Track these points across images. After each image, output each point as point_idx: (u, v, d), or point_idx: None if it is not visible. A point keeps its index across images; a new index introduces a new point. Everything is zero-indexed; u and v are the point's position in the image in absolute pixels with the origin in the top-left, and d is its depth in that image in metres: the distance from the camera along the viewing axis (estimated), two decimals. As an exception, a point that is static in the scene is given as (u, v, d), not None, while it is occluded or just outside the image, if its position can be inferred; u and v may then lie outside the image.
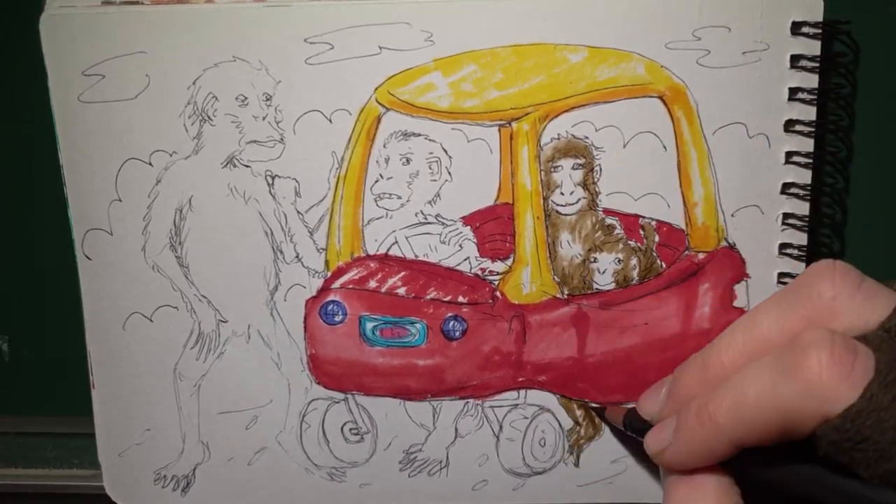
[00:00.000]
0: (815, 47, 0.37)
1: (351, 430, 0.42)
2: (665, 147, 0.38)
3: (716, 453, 0.28)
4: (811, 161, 0.38)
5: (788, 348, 0.26)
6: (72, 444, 0.46)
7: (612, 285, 0.40)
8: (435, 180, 0.39)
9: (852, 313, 0.26)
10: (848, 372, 0.24)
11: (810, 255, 0.39)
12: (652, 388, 0.35)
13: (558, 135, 0.38)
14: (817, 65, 0.37)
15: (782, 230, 0.39)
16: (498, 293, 0.40)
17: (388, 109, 0.38)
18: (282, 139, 0.39)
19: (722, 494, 0.29)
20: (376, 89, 0.38)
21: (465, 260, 0.40)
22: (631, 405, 0.40)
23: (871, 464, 0.24)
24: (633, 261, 0.39)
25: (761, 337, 0.28)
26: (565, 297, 0.40)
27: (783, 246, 0.39)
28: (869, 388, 0.24)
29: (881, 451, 0.24)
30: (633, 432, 0.37)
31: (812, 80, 0.38)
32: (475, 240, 0.40)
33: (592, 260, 0.39)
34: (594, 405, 0.41)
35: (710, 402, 0.28)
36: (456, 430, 0.42)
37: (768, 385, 0.26)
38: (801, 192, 0.39)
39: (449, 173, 0.39)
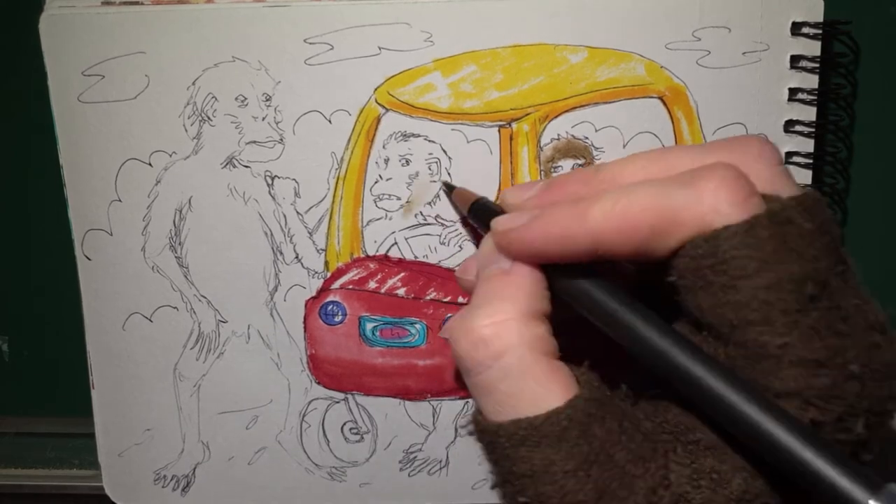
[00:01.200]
0: (815, 47, 0.37)
1: (351, 429, 0.42)
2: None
3: (568, 247, 0.26)
4: (811, 161, 0.38)
5: (692, 168, 0.25)
6: (72, 444, 0.47)
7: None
8: (434, 181, 0.39)
9: (764, 180, 0.25)
10: (742, 200, 0.24)
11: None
12: (525, 183, 0.33)
13: (558, 135, 0.38)
14: (817, 65, 0.37)
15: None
16: (498, 293, 0.40)
17: (387, 110, 0.38)
18: (281, 140, 0.39)
19: (534, 291, 0.27)
20: (376, 90, 0.38)
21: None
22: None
23: (718, 291, 0.23)
24: (633, 262, 0.39)
25: (668, 165, 0.26)
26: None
27: (783, 246, 0.39)
28: (755, 218, 0.23)
29: (734, 280, 0.23)
30: (476, 221, 0.35)
31: (812, 81, 0.38)
32: (475, 240, 0.40)
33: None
34: (444, 181, 0.39)
35: (589, 197, 0.26)
36: (456, 429, 0.42)
37: (659, 191, 0.24)
38: (801, 193, 0.39)
39: (449, 174, 0.39)
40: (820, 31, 0.37)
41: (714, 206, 0.24)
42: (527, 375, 0.25)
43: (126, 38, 0.38)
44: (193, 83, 0.38)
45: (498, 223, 0.28)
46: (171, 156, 0.39)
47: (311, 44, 0.37)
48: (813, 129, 0.38)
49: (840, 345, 0.23)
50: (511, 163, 0.38)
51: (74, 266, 0.40)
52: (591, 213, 0.25)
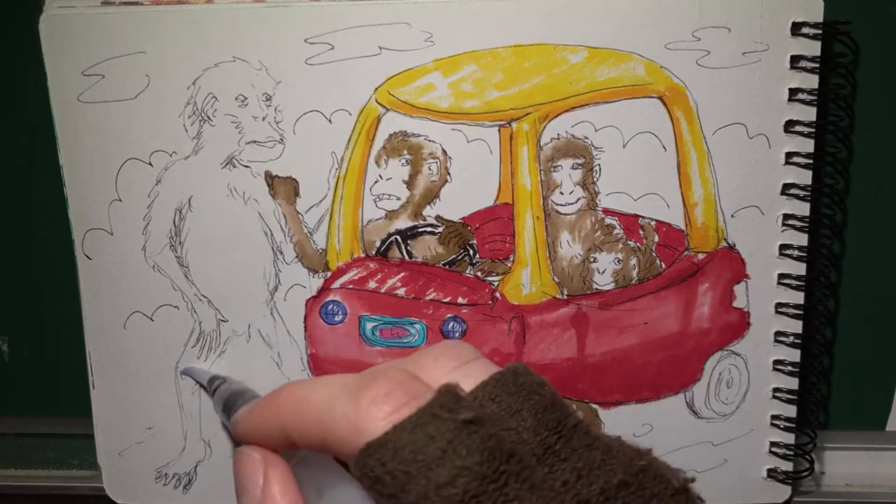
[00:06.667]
0: (815, 48, 0.37)
1: (351, 430, 0.42)
2: (664, 147, 0.38)
3: (270, 437, 0.27)
4: (811, 161, 0.38)
5: (367, 372, 0.25)
6: (71, 444, 0.46)
7: (612, 285, 0.40)
8: (434, 181, 0.39)
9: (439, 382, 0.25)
10: (392, 411, 0.23)
11: (811, 255, 0.39)
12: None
13: (558, 135, 0.38)
14: (817, 65, 0.37)
15: (782, 231, 0.39)
16: (497, 294, 0.40)
17: (387, 110, 0.38)
18: (281, 139, 0.39)
19: (268, 466, 0.27)
20: (376, 90, 0.38)
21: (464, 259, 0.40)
22: (628, 405, 0.40)
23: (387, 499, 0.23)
24: (633, 260, 0.39)
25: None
26: (565, 297, 0.40)
27: (783, 247, 0.39)
28: (395, 428, 0.22)
29: (393, 496, 0.22)
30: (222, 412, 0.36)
31: (812, 81, 0.38)
32: (475, 240, 0.39)
33: (592, 260, 0.39)
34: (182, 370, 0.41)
35: (286, 389, 0.26)
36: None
37: (329, 397, 0.24)
38: (801, 193, 0.39)
39: (449, 174, 0.39)
40: (820, 32, 0.37)
41: (362, 426, 0.23)
42: None
43: (126, 38, 0.38)
44: (193, 83, 0.38)
45: (235, 415, 0.29)
46: (171, 155, 0.39)
47: (311, 44, 0.37)
48: (813, 129, 0.38)
49: None
50: (511, 162, 0.38)
51: (74, 266, 0.40)
52: (280, 405, 0.26)
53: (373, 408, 0.23)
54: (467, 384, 0.25)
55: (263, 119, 0.38)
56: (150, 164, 0.39)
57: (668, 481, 0.23)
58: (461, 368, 0.26)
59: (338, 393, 0.24)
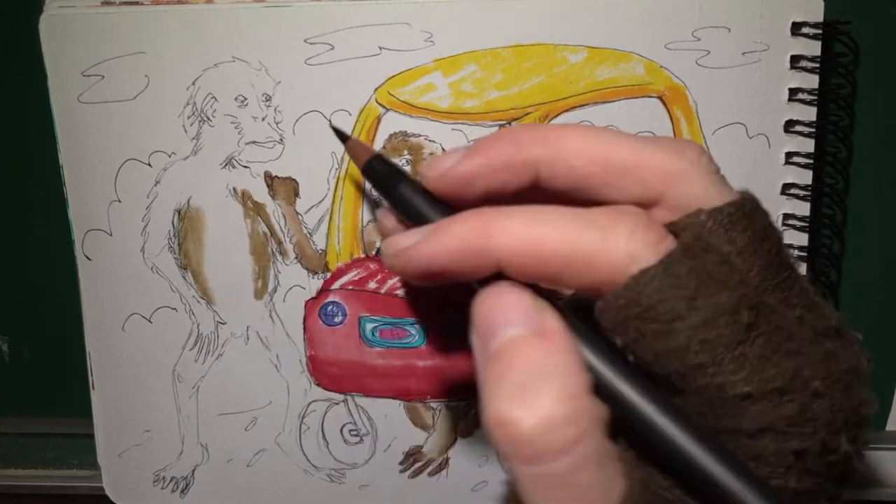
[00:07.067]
0: (815, 48, 0.37)
1: (350, 431, 0.42)
2: (665, 147, 0.38)
3: (469, 266, 0.24)
4: (811, 161, 0.38)
5: (603, 209, 0.24)
6: (72, 444, 0.46)
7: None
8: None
9: (700, 189, 0.25)
10: (654, 243, 0.23)
11: (811, 255, 0.39)
12: (446, 153, 0.28)
13: (558, 135, 0.38)
14: (817, 65, 0.37)
15: (782, 231, 0.39)
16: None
17: (387, 110, 0.38)
18: (281, 140, 0.39)
19: (579, 358, 0.23)
20: (376, 90, 0.38)
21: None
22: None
23: (654, 341, 0.22)
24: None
25: (610, 149, 0.25)
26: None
27: (783, 246, 0.39)
28: (668, 257, 0.22)
29: (666, 325, 0.22)
30: (374, 182, 0.32)
31: (812, 81, 0.38)
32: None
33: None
34: (335, 126, 0.37)
35: (498, 220, 0.24)
36: (456, 431, 0.42)
37: (573, 229, 0.23)
38: (801, 193, 0.39)
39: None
40: (820, 31, 0.37)
41: (628, 251, 0.23)
42: (607, 465, 0.22)
43: (126, 39, 0.38)
44: (193, 83, 0.38)
45: (388, 244, 0.26)
46: (170, 156, 0.39)
47: (311, 44, 0.37)
48: (813, 129, 0.38)
49: (794, 365, 0.22)
50: (510, 162, 0.38)
51: (74, 266, 0.40)
52: (497, 235, 0.23)
53: (635, 237, 0.23)
54: (721, 196, 0.25)
55: (263, 119, 0.38)
56: (150, 164, 0.39)
57: (853, 335, 0.24)
58: (717, 177, 0.26)
59: (581, 229, 0.23)
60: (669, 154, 0.25)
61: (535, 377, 0.22)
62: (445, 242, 0.24)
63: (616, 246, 0.23)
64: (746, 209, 0.25)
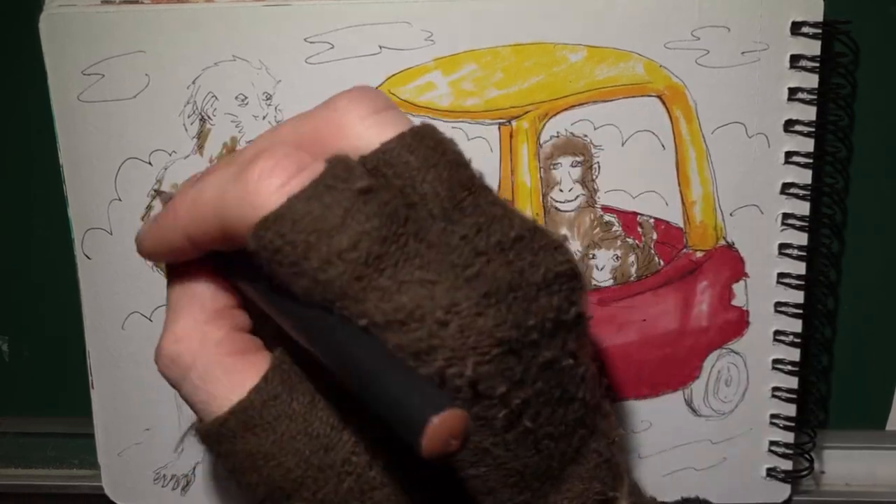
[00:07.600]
0: (814, 47, 0.37)
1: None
2: (663, 146, 0.38)
3: (174, 244, 0.27)
4: (811, 161, 0.38)
5: (247, 156, 0.25)
6: (72, 444, 0.46)
7: (611, 282, 0.40)
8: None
9: (359, 135, 0.25)
10: (282, 183, 0.23)
11: (811, 255, 0.39)
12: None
13: (557, 133, 0.38)
14: (817, 65, 0.37)
15: (782, 230, 0.39)
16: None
17: (387, 109, 0.38)
18: (281, 138, 0.39)
19: (208, 292, 0.28)
20: (377, 88, 0.38)
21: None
22: (626, 402, 0.40)
23: (291, 278, 0.23)
24: (631, 258, 0.39)
25: (277, 140, 0.27)
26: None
27: (783, 246, 0.39)
28: (290, 200, 0.23)
29: (294, 264, 0.23)
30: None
31: (812, 80, 0.38)
32: None
33: (591, 256, 0.39)
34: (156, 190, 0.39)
35: (180, 193, 0.27)
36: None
37: (219, 185, 0.25)
38: (801, 192, 0.39)
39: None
40: (820, 31, 0.37)
41: (255, 202, 0.23)
42: (215, 378, 0.26)
43: (126, 38, 0.38)
44: (193, 82, 0.38)
45: (137, 234, 0.29)
46: (171, 155, 0.39)
47: (311, 43, 0.38)
48: (813, 129, 0.38)
49: (422, 294, 0.23)
50: (511, 160, 0.38)
51: (74, 266, 0.40)
52: (179, 216, 0.26)
53: (262, 182, 0.24)
54: (385, 133, 0.25)
55: (263, 118, 0.38)
56: (150, 163, 0.39)
57: (551, 237, 0.26)
58: (378, 114, 0.26)
59: (226, 179, 0.24)
60: (325, 120, 0.26)
61: (167, 319, 0.28)
62: (152, 230, 0.28)
63: (248, 192, 0.24)
64: (408, 141, 0.25)
